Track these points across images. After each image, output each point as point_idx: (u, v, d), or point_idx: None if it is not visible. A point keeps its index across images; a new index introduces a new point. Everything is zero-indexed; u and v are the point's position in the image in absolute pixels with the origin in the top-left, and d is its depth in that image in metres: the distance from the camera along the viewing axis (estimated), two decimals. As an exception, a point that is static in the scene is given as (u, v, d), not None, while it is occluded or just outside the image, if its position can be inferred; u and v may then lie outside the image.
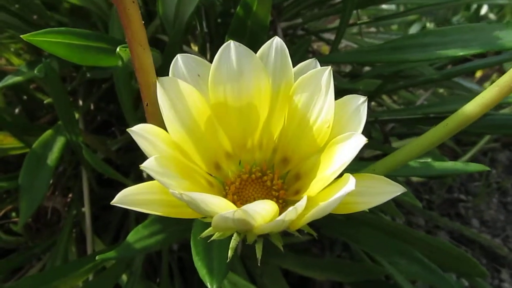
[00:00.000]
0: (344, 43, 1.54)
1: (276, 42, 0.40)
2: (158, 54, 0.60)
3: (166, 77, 0.37)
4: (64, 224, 0.81)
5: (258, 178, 0.43)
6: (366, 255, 0.94)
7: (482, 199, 1.35)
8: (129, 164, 0.98)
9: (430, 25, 2.03)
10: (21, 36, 0.45)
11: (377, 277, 0.87)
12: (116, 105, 1.06)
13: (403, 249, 0.74)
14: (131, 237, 0.60)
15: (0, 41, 0.97)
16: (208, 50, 0.93)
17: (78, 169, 0.95)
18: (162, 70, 0.70)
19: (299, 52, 0.77)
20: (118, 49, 0.47)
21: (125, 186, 0.97)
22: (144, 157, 0.82)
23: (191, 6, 0.60)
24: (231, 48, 0.39)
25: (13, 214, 0.91)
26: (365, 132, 0.36)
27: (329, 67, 0.37)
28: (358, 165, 0.61)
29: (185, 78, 0.40)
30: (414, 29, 1.98)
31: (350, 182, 0.31)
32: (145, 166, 0.32)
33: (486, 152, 1.54)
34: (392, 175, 0.65)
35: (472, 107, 0.43)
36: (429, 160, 0.64)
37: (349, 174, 0.33)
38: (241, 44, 0.40)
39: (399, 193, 0.35)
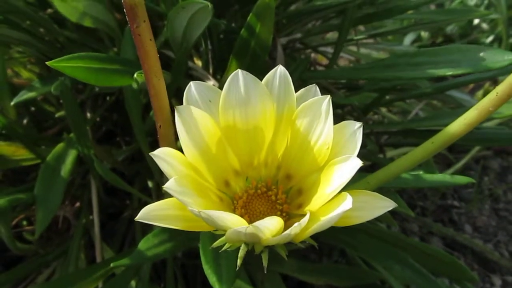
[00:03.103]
0: (340, 54, 1.58)
1: (280, 70, 0.45)
2: (168, 75, 0.65)
3: (183, 106, 0.41)
4: (74, 233, 0.85)
5: (264, 193, 0.47)
6: (362, 261, 0.98)
7: (475, 206, 1.40)
8: (134, 173, 1.02)
9: (424, 34, 2.09)
10: (46, 63, 0.49)
11: (372, 282, 0.91)
12: (120, 115, 1.10)
13: (397, 256, 0.78)
14: (142, 245, 0.64)
15: (11, 56, 1.01)
16: (211, 64, 0.97)
17: (86, 179, 0.99)
18: (170, 87, 0.74)
19: (298, 69, 0.81)
20: (135, 75, 0.51)
21: (130, 195, 1.00)
22: (149, 168, 0.86)
23: (198, 30, 0.64)
24: (239, 76, 0.44)
25: (24, 222, 0.95)
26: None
27: (329, 96, 0.41)
28: (354, 175, 0.65)
29: (197, 103, 0.44)
30: (409, 39, 2.03)
31: (347, 201, 0.35)
32: (167, 187, 0.36)
33: (479, 159, 1.59)
34: (385, 186, 0.70)
35: (456, 127, 0.47)
36: (420, 172, 0.68)
37: (346, 193, 0.37)
38: (248, 73, 0.44)
39: (390, 208, 0.39)
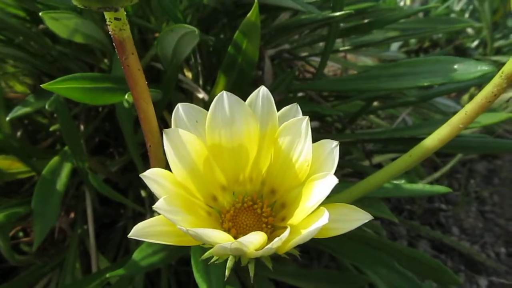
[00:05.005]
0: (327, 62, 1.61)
1: (263, 91, 0.48)
2: (159, 93, 0.67)
3: (171, 129, 0.44)
4: (70, 243, 0.87)
5: (250, 206, 0.50)
6: (351, 265, 1.01)
7: (462, 208, 1.43)
8: (128, 183, 1.05)
9: (411, 40, 2.12)
10: (41, 85, 0.52)
11: (361, 286, 0.94)
12: (113, 126, 1.12)
13: (384, 260, 0.81)
14: (136, 255, 0.66)
15: (6, 70, 1.03)
16: (201, 76, 1.00)
17: (80, 189, 1.02)
18: (160, 102, 0.77)
19: (286, 81, 0.84)
20: (126, 96, 0.54)
21: (124, 204, 1.02)
22: (141, 179, 0.88)
23: (187, 49, 0.66)
24: (224, 98, 0.46)
25: (20, 234, 0.97)
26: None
27: (307, 117, 0.44)
28: (338, 185, 0.68)
29: (185, 124, 0.47)
30: (396, 44, 2.07)
31: (324, 216, 0.38)
32: (157, 207, 0.38)
33: (465, 162, 1.62)
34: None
35: (431, 142, 0.50)
36: (402, 181, 0.71)
37: (324, 208, 0.40)
38: (232, 94, 0.47)
39: (366, 220, 0.42)
